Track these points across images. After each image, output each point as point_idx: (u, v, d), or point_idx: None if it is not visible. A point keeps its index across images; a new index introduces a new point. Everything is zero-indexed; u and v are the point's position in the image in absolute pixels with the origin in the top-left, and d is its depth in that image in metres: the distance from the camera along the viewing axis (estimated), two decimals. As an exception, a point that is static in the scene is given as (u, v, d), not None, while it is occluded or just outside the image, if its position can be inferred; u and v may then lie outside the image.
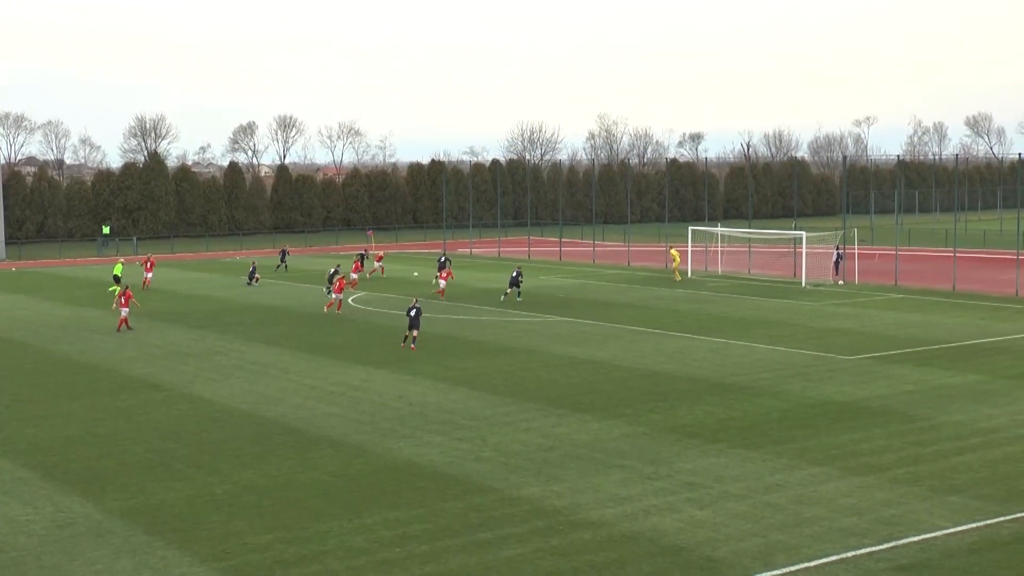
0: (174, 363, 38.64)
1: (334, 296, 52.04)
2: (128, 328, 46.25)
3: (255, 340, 43.64)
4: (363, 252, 72.96)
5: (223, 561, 19.09)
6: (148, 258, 66.81)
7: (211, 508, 22.02)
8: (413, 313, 40.70)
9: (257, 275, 66.13)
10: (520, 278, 56.53)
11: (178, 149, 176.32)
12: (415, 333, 40.58)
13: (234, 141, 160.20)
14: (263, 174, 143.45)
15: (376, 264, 70.35)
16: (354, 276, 61.90)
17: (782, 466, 24.48)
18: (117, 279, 60.92)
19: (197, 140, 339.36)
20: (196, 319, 50.05)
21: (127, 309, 46.76)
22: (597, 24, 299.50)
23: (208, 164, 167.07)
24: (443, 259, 63.69)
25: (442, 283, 58.13)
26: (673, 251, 67.94)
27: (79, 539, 20.30)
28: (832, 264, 64.34)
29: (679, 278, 65.26)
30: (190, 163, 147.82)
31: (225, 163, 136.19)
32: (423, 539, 19.98)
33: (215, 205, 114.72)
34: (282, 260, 75.32)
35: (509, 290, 55.99)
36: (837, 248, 65.41)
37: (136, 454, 26.31)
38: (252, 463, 25.30)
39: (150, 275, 64.26)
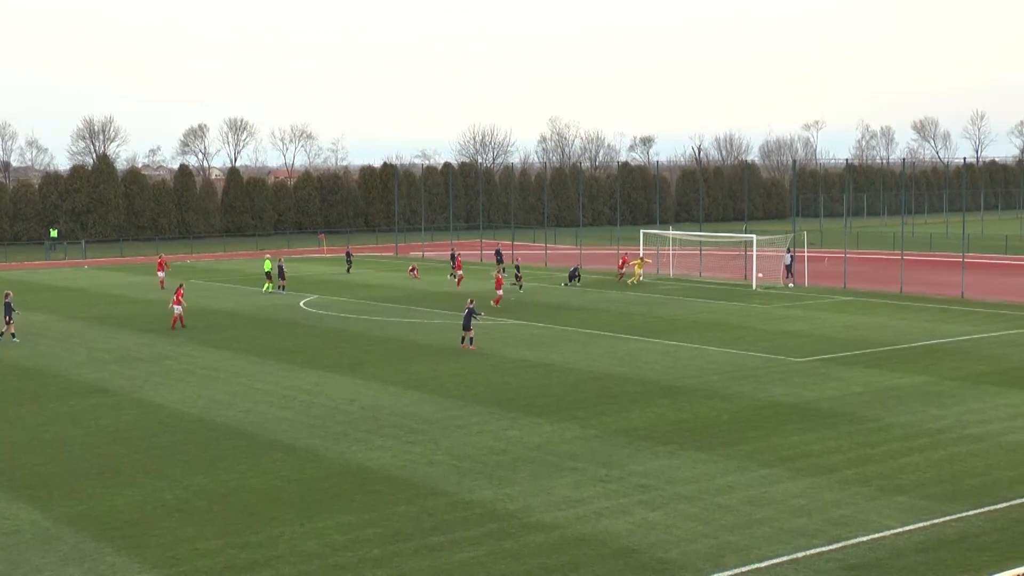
0: (123, 367, 38.26)
1: (499, 293, 54.12)
2: (183, 326, 46.93)
3: (205, 344, 43.31)
4: (453, 252, 73.24)
5: (173, 567, 18.92)
6: (160, 259, 68.63)
7: (161, 514, 21.81)
8: (466, 313, 41.42)
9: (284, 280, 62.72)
10: (578, 270, 65.04)
11: (127, 152, 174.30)
12: (471, 333, 41.23)
13: (184, 144, 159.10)
14: (214, 177, 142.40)
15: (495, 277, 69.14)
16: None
17: (733, 467, 24.65)
18: (269, 276, 62.73)
19: (147, 142, 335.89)
20: (145, 323, 49.57)
21: (179, 307, 47.16)
22: (549, 27, 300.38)
23: (158, 167, 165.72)
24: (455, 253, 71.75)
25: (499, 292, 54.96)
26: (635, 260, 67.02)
27: (25, 546, 20.03)
28: (783, 267, 64.77)
29: (635, 281, 65.35)
30: (140, 166, 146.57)
31: (175, 166, 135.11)
32: (375, 543, 19.92)
33: (165, 208, 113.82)
34: (348, 261, 75.69)
35: (568, 282, 63.84)
36: (789, 251, 65.87)
37: (84, 459, 26.02)
38: (203, 468, 25.10)
39: (162, 274, 65.72)
